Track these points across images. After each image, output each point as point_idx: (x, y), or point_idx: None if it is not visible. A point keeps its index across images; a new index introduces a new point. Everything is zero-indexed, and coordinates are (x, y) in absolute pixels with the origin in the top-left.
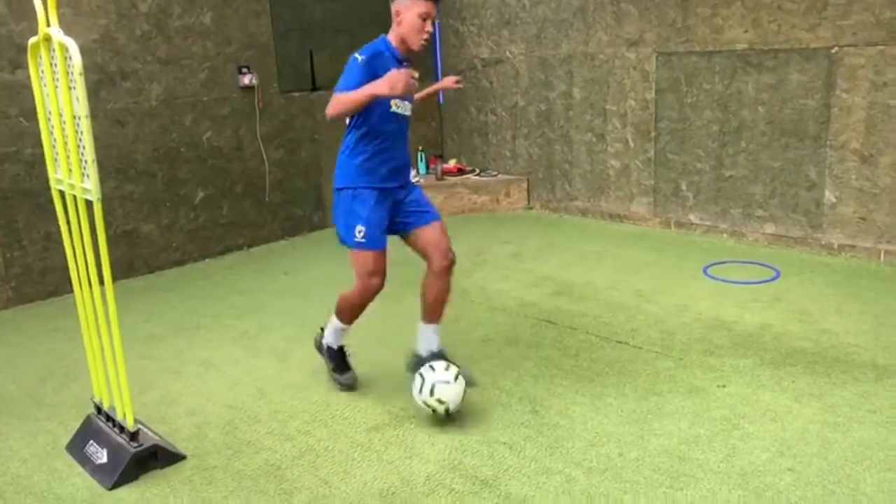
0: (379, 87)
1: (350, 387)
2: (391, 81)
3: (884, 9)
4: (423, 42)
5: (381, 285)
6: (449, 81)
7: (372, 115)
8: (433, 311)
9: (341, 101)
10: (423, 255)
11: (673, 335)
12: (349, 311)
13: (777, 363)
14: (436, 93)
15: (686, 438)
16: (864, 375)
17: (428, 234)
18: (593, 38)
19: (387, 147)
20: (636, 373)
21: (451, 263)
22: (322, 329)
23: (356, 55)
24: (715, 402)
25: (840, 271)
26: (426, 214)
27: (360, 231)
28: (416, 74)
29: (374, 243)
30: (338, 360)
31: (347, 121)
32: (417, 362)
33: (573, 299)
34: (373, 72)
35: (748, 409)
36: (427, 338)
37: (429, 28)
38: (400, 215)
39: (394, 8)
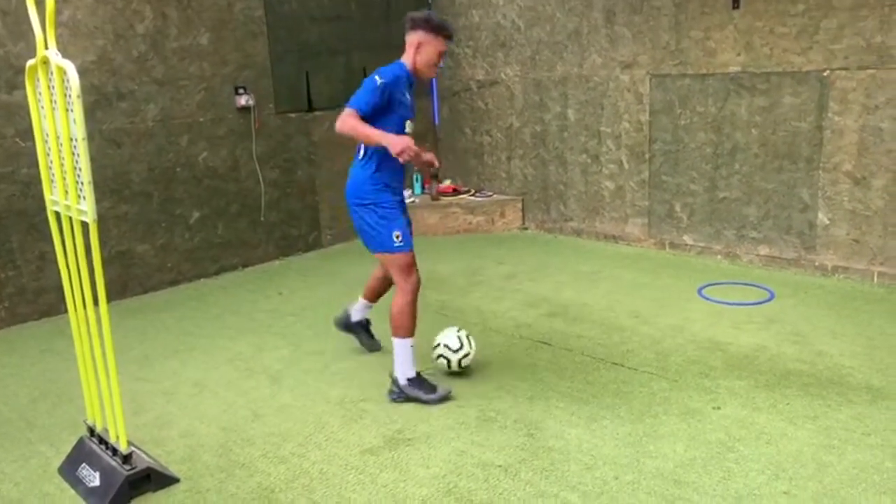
0: (391, 144)
1: (448, 395)
2: (401, 147)
3: (874, 33)
4: (434, 74)
5: (419, 280)
6: (430, 156)
7: (389, 132)
8: (376, 297)
9: (356, 129)
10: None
11: (668, 356)
12: (408, 317)
13: (772, 385)
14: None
15: (681, 461)
16: (858, 398)
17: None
18: (588, 60)
19: (396, 163)
20: (631, 394)
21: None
22: (394, 382)
23: (376, 77)
24: (710, 424)
25: (834, 293)
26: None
27: (397, 236)
28: (432, 159)
29: (409, 245)
30: (421, 384)
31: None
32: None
33: (568, 320)
34: (387, 97)
35: (743, 431)
36: (361, 308)
37: (441, 63)
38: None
39: (414, 38)
